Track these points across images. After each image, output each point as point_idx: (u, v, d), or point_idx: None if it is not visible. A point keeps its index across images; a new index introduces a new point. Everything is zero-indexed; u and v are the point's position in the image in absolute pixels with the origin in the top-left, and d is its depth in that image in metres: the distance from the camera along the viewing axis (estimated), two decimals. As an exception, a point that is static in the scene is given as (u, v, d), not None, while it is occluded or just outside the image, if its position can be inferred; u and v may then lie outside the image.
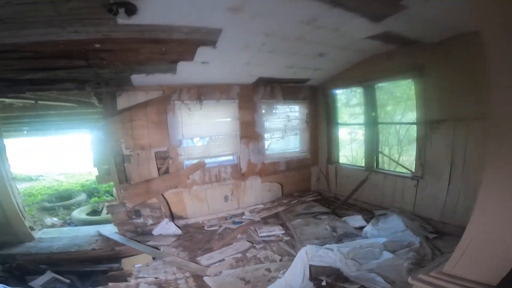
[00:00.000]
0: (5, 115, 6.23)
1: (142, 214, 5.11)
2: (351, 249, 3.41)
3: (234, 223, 5.34)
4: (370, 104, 5.62)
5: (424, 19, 3.40)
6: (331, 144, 6.64)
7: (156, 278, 3.58)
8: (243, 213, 5.72)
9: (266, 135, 6.28)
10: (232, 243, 4.47)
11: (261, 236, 4.67)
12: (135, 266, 3.93)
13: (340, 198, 6.17)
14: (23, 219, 4.68)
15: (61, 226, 6.58)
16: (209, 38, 3.56)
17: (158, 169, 5.20)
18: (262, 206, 5.99)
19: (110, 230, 5.03)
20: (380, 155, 5.93)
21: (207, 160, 5.65)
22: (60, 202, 8.52)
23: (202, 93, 5.39)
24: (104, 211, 7.30)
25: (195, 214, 5.59)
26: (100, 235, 4.93)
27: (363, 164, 6.05)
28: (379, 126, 5.76)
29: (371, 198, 5.52)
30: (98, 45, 3.27)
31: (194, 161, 5.55)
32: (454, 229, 3.96)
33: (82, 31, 2.89)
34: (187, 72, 4.58)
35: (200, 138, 5.82)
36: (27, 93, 4.65)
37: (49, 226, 6.46)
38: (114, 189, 5.20)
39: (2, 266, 3.95)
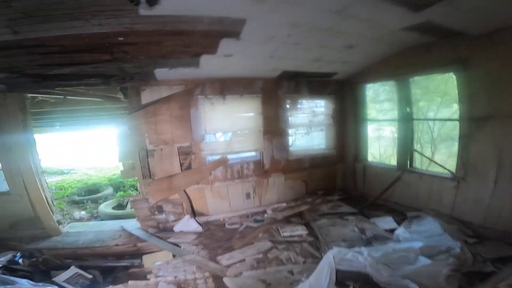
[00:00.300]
0: (37, 110, 6.53)
1: (164, 210, 5.13)
2: (384, 253, 3.19)
3: (256, 221, 5.22)
4: (404, 99, 5.25)
5: (472, 9, 3.08)
6: (359, 141, 6.33)
7: (175, 277, 3.54)
8: (265, 211, 5.60)
9: (290, 131, 6.10)
10: (253, 243, 4.35)
11: (284, 236, 4.51)
12: (156, 263, 3.93)
13: (367, 198, 5.86)
14: (51, 213, 4.83)
15: (88, 219, 6.82)
16: (232, 29, 3.43)
17: (181, 164, 5.19)
18: (284, 204, 5.82)
19: (133, 225, 5.11)
20: (412, 154, 5.52)
21: (229, 156, 5.58)
22: (88, 195, 8.88)
23: (225, 87, 5.31)
24: (129, 205, 7.49)
25: (216, 211, 5.54)
26: (123, 230, 5.02)
27: (394, 163, 5.70)
28: (414, 123, 5.36)
29: (402, 199, 5.18)
30: (122, 38, 3.24)
31: (217, 157, 5.50)
32: (497, 234, 3.65)
33: (105, 24, 2.85)
34: (210, 65, 4.49)
35: (223, 133, 5.74)
36: (56, 89, 4.80)
37: (77, 220, 6.72)
38: (138, 184, 5.26)
39: (29, 261, 4.11)
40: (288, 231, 4.64)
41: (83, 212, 7.03)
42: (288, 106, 5.97)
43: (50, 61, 3.60)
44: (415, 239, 3.77)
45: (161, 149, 5.01)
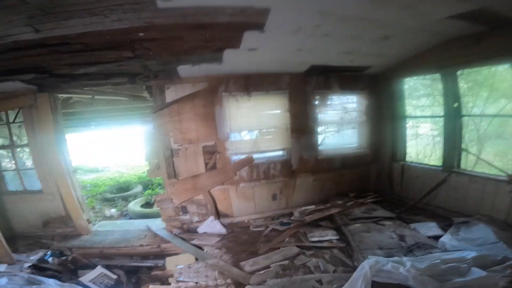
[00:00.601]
0: (71, 110, 6.82)
1: (189, 211, 5.06)
2: (429, 264, 2.80)
3: (282, 224, 4.98)
4: (451, 93, 4.67)
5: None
6: (397, 139, 5.83)
7: (196, 283, 3.42)
8: (291, 214, 5.33)
9: (319, 129, 5.76)
10: (279, 248, 4.12)
11: (312, 241, 4.24)
12: (178, 266, 3.83)
13: (405, 201, 5.38)
14: (81, 212, 4.93)
15: (118, 217, 7.00)
16: (255, 20, 3.20)
17: (206, 164, 5.08)
18: (313, 206, 5.47)
19: (158, 225, 5.13)
20: (460, 153, 4.94)
21: (255, 156, 5.37)
22: (119, 193, 9.18)
23: (250, 83, 5.10)
24: (155, 205, 7.60)
25: (241, 212, 5.38)
26: (149, 230, 5.03)
27: (436, 163, 5.16)
28: (462, 119, 4.78)
29: (448, 203, 4.65)
30: (142, 34, 3.16)
31: (242, 157, 5.31)
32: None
33: (125, 19, 2.77)
34: (234, 60, 4.31)
35: (249, 131, 5.55)
36: (84, 89, 4.92)
37: (108, 217, 6.92)
38: (164, 184, 5.26)
39: (59, 259, 4.22)
40: (316, 236, 4.36)
41: (113, 210, 7.24)
42: (317, 102, 5.64)
43: (76, 60, 3.64)
44: (464, 248, 3.34)
45: (186, 148, 4.94)
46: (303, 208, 5.46)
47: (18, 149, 5.08)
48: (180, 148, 4.92)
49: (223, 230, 4.87)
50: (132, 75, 4.46)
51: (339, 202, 5.50)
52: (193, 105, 4.90)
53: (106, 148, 19.70)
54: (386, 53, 4.80)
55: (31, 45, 3.06)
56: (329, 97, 5.76)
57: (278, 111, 5.43)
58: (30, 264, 3.96)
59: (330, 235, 4.35)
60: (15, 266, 3.86)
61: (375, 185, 6.20)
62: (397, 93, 5.73)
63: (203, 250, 4.28)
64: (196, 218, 5.11)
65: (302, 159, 5.61)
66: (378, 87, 5.91)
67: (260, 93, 5.20)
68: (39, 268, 3.94)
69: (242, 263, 3.77)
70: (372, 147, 6.09)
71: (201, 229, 4.91)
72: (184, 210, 5.08)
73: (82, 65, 3.83)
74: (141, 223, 5.50)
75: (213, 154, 5.11)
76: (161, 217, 5.09)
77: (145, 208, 7.41)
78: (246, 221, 5.26)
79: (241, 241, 4.54)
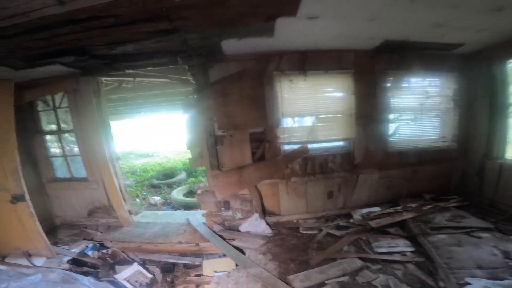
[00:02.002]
0: (117, 96, 6.85)
1: (231, 207, 4.65)
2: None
3: (338, 228, 4.32)
4: None
5: None
6: (495, 133, 4.64)
7: (235, 296, 3.00)
8: (349, 215, 4.65)
9: (391, 116, 4.83)
10: (335, 258, 3.48)
11: (379, 252, 3.52)
12: (215, 274, 3.46)
13: (501, 207, 4.30)
14: (123, 202, 4.80)
15: (162, 205, 6.98)
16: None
17: (253, 154, 4.55)
18: (378, 208, 4.70)
19: (198, 220, 4.84)
20: None
21: (311, 146, 4.68)
22: (165, 179, 9.31)
23: (306, 61, 4.37)
24: (196, 197, 7.45)
25: (290, 211, 4.81)
26: (188, 224, 4.77)
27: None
28: None
29: None
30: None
31: (295, 146, 4.65)
32: None
33: (157, -21, 2.32)
34: (288, 33, 3.61)
35: (304, 117, 4.87)
36: (126, 71, 4.70)
37: (152, 205, 6.94)
38: (206, 175, 4.91)
39: (99, 252, 4.15)
40: (384, 246, 3.64)
41: (157, 198, 7.26)
42: (389, 85, 4.69)
43: (110, 38, 3.33)
44: None
45: (231, 135, 4.45)
46: (366, 209, 4.71)
47: (66, 135, 5.08)
48: (225, 134, 4.45)
49: (268, 231, 4.39)
50: (172, 54, 4.07)
51: (413, 205, 4.60)
52: (239, 85, 4.36)
53: (157, 133, 20.64)
54: (492, 27, 3.64)
55: (60, 21, 2.77)
56: (405, 79, 4.77)
57: (341, 94, 4.63)
58: (69, 258, 3.95)
59: (402, 246, 3.61)
60: (54, 260, 3.86)
61: (458, 186, 5.12)
62: (501, 77, 4.49)
63: (245, 254, 3.83)
64: (239, 215, 4.68)
65: (368, 152, 4.76)
66: (472, 69, 4.74)
67: (318, 72, 4.44)
68: (78, 262, 3.92)
69: (290, 277, 3.21)
70: (459, 140, 4.98)
71: (244, 227, 4.48)
72: (227, 205, 4.68)
73: (118, 44, 3.50)
74: (181, 216, 5.30)
75: (261, 143, 4.54)
76: (202, 211, 4.79)
77: (188, 197, 7.31)
78: (295, 221, 4.71)
79: (289, 246, 3.99)
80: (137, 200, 7.03)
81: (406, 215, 4.25)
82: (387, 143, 4.83)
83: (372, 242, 3.77)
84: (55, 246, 4.24)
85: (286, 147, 4.69)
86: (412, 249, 3.55)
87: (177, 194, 7.17)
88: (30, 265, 3.62)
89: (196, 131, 4.55)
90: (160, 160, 13.84)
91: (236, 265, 3.64)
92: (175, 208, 6.80)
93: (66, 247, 4.29)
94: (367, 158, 4.78)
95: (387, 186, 4.94)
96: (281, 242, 4.13)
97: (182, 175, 9.33)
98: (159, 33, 3.27)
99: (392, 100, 4.74)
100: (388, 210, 4.55)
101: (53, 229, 4.94)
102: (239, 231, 4.47)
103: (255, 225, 4.49)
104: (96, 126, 4.53)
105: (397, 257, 3.43)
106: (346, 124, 4.66)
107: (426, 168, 4.96)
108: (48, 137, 5.15)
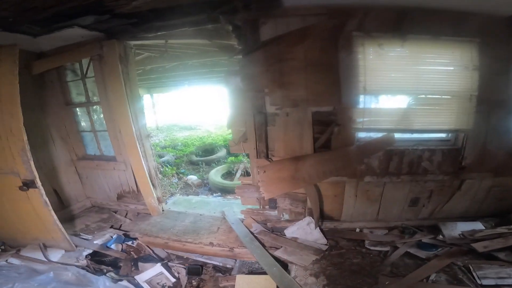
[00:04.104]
0: (156, 66, 6.17)
1: (278, 206, 3.54)
2: None
3: (420, 246, 3.05)
4: None
5: None
6: None
7: None
8: (436, 229, 3.35)
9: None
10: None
11: (483, 285, 2.38)
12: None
13: None
14: (151, 189, 3.91)
15: (198, 186, 6.35)
16: None
17: (314, 140, 3.24)
18: (478, 223, 3.30)
19: (235, 214, 3.88)
20: None
21: (398, 136, 3.27)
22: (204, 155, 8.72)
23: (404, 21, 2.89)
24: (238, 174, 6.71)
25: (353, 217, 3.55)
26: (224, 219, 3.84)
27: None
28: None
29: None
30: None
31: (376, 135, 3.26)
32: None
33: None
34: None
35: (395, 95, 3.41)
36: (157, 32, 3.82)
37: (188, 185, 6.37)
38: (250, 165, 3.99)
39: (123, 244, 3.57)
40: (491, 276, 2.46)
41: (194, 177, 6.57)
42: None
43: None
44: None
45: (287, 114, 3.18)
46: (462, 224, 3.33)
47: (96, 107, 4.30)
48: (279, 112, 3.19)
49: (322, 241, 3.24)
50: (212, 6, 2.97)
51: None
52: (303, 48, 3.01)
53: (200, 106, 20.32)
54: None
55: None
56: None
57: (456, 69, 3.07)
58: (90, 251, 3.29)
59: (516, 277, 2.29)
60: (73, 253, 3.20)
61: None
62: None
63: (289, 273, 2.79)
64: (286, 216, 3.58)
65: (485, 150, 3.21)
66: None
67: (422, 37, 2.94)
68: (99, 256, 3.34)
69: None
70: None
71: (291, 231, 3.39)
72: (273, 203, 3.59)
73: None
74: (216, 205, 4.37)
75: (328, 127, 3.20)
76: (240, 204, 3.82)
77: (226, 178, 6.60)
78: (358, 230, 3.51)
79: (352, 268, 2.82)
80: (174, 179, 6.51)
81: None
82: (514, 141, 3.19)
83: (475, 269, 2.55)
84: (78, 236, 3.62)
85: (362, 135, 3.31)
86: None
87: (215, 175, 6.33)
88: (45, 260, 3.04)
89: (241, 107, 3.36)
90: (202, 134, 13.39)
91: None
92: (211, 190, 6.10)
93: (90, 236, 3.62)
94: (481, 159, 3.24)
95: (498, 197, 3.42)
96: (340, 260, 2.97)
97: (222, 152, 8.54)
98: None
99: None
100: (500, 230, 3.09)
101: (83, 212, 4.38)
102: (284, 236, 3.38)
103: (306, 231, 3.36)
104: (122, 98, 3.57)
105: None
106: (459, 109, 3.10)
107: None
108: (78, 110, 4.42)
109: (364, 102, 3.12)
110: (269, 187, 3.28)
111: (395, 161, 3.29)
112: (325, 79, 3.08)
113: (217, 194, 5.81)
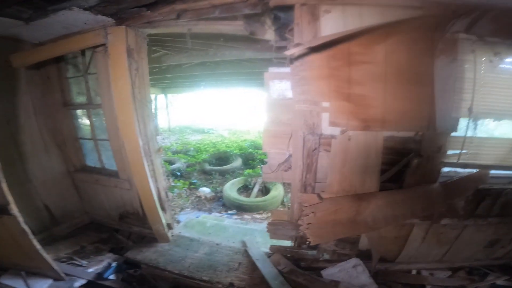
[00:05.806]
0: (166, 65, 5.54)
1: (320, 246, 2.75)
2: None
3: None
4: None
5: None
6: None
7: None
8: (508, 268, 2.65)
9: None
10: None
11: None
12: None
13: None
14: (160, 214, 3.13)
15: (211, 200, 5.61)
16: None
17: (381, 173, 2.40)
18: None
19: (259, 244, 3.11)
20: None
21: (494, 172, 2.45)
22: (218, 163, 7.98)
23: None
24: (255, 189, 5.96)
25: (410, 258, 2.75)
26: (245, 252, 3.03)
27: None
28: None
29: None
30: None
31: (466, 171, 2.46)
32: None
33: None
34: None
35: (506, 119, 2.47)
36: (180, 20, 3.05)
37: (198, 198, 5.66)
38: (290, 195, 3.12)
39: (124, 274, 2.87)
40: None
41: (207, 190, 5.77)
42: None
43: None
44: None
45: (349, 138, 2.34)
46: None
47: (97, 110, 3.47)
48: (337, 135, 2.35)
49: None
50: None
51: None
52: (384, 48, 2.17)
53: (215, 109, 19.74)
54: None
55: None
56: None
57: None
58: (84, 281, 2.63)
59: None
60: (62, 283, 2.52)
61: None
62: None
63: None
64: (326, 256, 2.78)
65: None
66: None
67: None
68: (94, 287, 2.65)
69: None
70: None
71: (330, 273, 2.61)
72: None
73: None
74: (235, 235, 3.50)
75: (401, 157, 2.36)
76: (262, 225, 3.21)
77: (241, 193, 5.81)
78: (414, 272, 2.74)
79: None
80: (184, 191, 5.80)
81: None
82: None
83: None
84: (71, 260, 2.94)
85: (447, 170, 2.48)
86: None
87: (230, 189, 5.47)
88: (27, 290, 2.46)
89: (285, 123, 2.54)
90: (215, 138, 12.71)
91: None
92: (225, 206, 5.38)
93: (85, 262, 2.89)
94: None
95: None
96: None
97: (238, 162, 7.69)
98: None
99: None
100: None
101: (80, 229, 3.67)
102: (320, 277, 2.61)
103: (351, 274, 2.57)
104: (126, 102, 2.75)
105: None
106: None
107: None
108: (78, 113, 3.68)
109: (467, 128, 2.30)
110: (319, 231, 2.43)
111: (487, 202, 2.43)
112: (411, 92, 2.22)
113: (232, 211, 5.03)
